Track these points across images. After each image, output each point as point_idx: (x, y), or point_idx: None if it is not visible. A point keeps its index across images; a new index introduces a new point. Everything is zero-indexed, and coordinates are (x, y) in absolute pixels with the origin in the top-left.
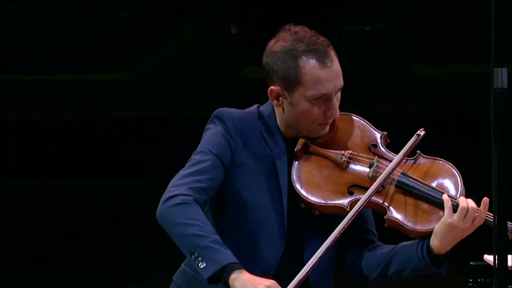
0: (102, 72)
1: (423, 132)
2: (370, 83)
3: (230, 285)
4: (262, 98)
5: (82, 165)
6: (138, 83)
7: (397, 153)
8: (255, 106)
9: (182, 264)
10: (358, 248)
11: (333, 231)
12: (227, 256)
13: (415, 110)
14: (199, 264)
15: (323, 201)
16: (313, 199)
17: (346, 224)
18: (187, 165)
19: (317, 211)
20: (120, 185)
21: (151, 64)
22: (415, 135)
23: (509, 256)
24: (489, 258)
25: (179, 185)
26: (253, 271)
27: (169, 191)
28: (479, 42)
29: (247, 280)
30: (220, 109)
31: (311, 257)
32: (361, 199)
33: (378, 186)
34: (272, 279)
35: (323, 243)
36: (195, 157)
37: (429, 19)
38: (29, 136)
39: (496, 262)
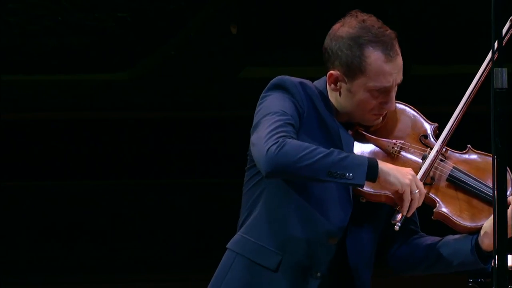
0: (102, 72)
1: None
2: None
3: (383, 179)
4: None
5: (82, 165)
6: (138, 83)
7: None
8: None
9: (240, 233)
10: (400, 238)
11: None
12: (358, 155)
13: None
14: (347, 176)
15: (371, 190)
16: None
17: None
18: (265, 124)
19: (364, 199)
20: (120, 185)
21: (151, 64)
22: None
23: (509, 256)
24: None
25: (268, 138)
26: (320, 234)
27: (264, 146)
28: (479, 42)
29: (396, 170)
30: (279, 77)
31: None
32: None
33: (448, 133)
34: (337, 246)
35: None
36: (271, 117)
37: (429, 19)
38: (29, 136)
39: (496, 262)
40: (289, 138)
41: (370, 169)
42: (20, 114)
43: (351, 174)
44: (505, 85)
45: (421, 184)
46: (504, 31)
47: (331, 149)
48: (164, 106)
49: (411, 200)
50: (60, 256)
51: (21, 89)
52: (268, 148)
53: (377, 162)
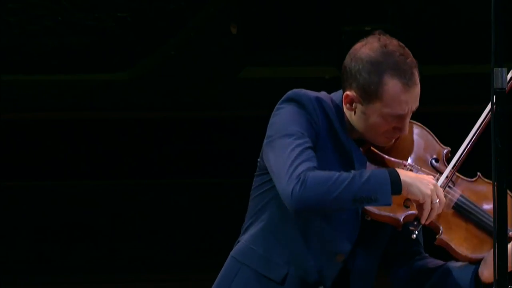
0: (102, 72)
1: None
2: None
3: (405, 190)
4: (262, 98)
5: (82, 165)
6: (138, 83)
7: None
8: (324, 92)
9: (245, 242)
10: (404, 258)
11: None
12: (378, 172)
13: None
14: (372, 199)
15: (376, 210)
16: (368, 206)
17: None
18: (284, 150)
19: (369, 217)
20: (120, 185)
21: (151, 64)
22: None
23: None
24: None
25: (290, 173)
26: (329, 251)
27: (287, 184)
28: (479, 42)
29: (417, 180)
30: (295, 90)
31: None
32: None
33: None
34: (342, 263)
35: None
36: (289, 140)
37: (430, 19)
38: (29, 136)
39: (496, 262)
40: (311, 171)
41: (394, 184)
42: (20, 114)
43: (377, 196)
44: (505, 85)
45: (441, 193)
46: (508, 78)
47: (352, 172)
48: (164, 106)
49: (431, 209)
50: (60, 256)
51: (21, 89)
52: (292, 188)
53: (398, 174)
